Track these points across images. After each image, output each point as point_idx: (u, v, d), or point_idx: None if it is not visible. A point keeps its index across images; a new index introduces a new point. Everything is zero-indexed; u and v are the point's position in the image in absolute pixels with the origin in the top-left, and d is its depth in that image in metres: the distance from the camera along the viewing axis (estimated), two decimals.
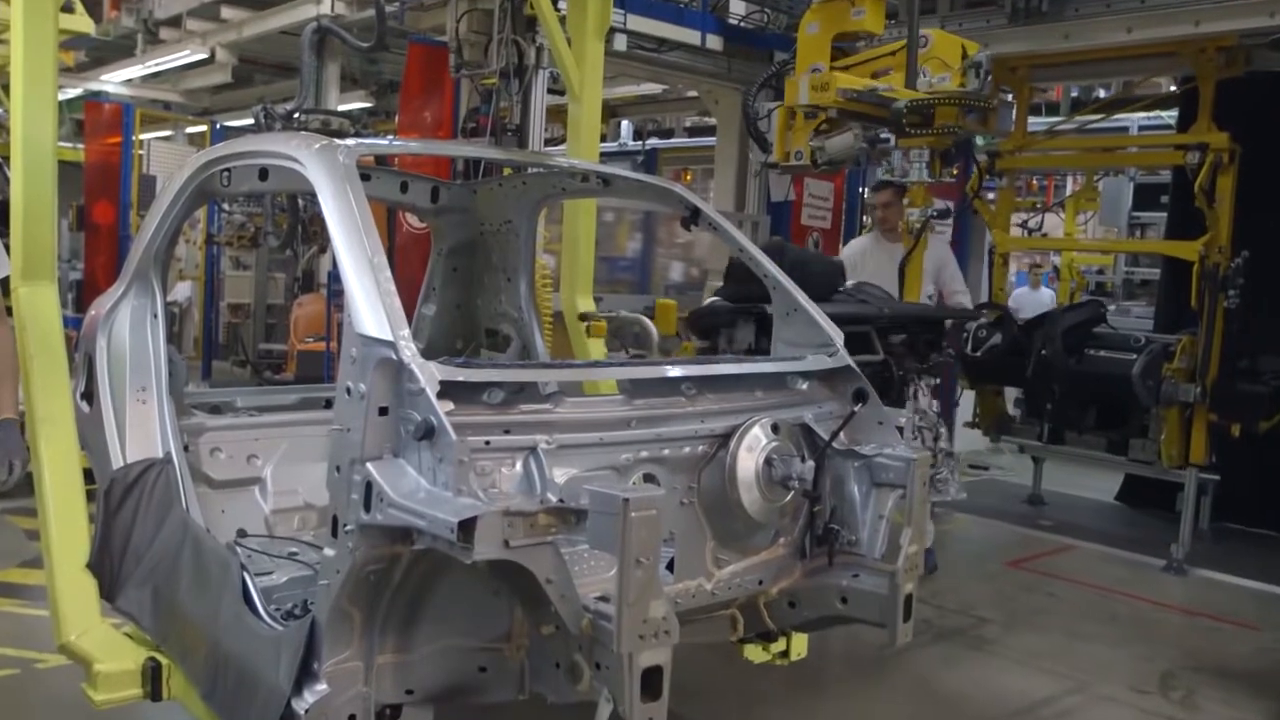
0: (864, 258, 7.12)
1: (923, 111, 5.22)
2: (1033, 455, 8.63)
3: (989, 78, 5.41)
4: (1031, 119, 9.10)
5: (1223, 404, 7.14)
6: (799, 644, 3.63)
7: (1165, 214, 9.90)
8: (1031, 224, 11.65)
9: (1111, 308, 11.93)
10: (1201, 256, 7.20)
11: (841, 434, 3.45)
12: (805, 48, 5.57)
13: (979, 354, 7.80)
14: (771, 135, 5.98)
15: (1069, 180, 14.80)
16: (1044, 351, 7.60)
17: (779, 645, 3.59)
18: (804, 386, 3.60)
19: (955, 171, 5.92)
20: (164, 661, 3.27)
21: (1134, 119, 11.28)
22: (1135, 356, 7.32)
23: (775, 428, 3.28)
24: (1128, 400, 7.42)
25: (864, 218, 10.72)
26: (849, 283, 5.61)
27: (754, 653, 3.58)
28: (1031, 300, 12.70)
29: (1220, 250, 7.14)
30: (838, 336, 3.71)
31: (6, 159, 5.47)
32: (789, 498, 3.30)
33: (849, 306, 5.00)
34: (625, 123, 14.79)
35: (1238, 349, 7.17)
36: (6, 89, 8.75)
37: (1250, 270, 6.99)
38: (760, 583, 3.41)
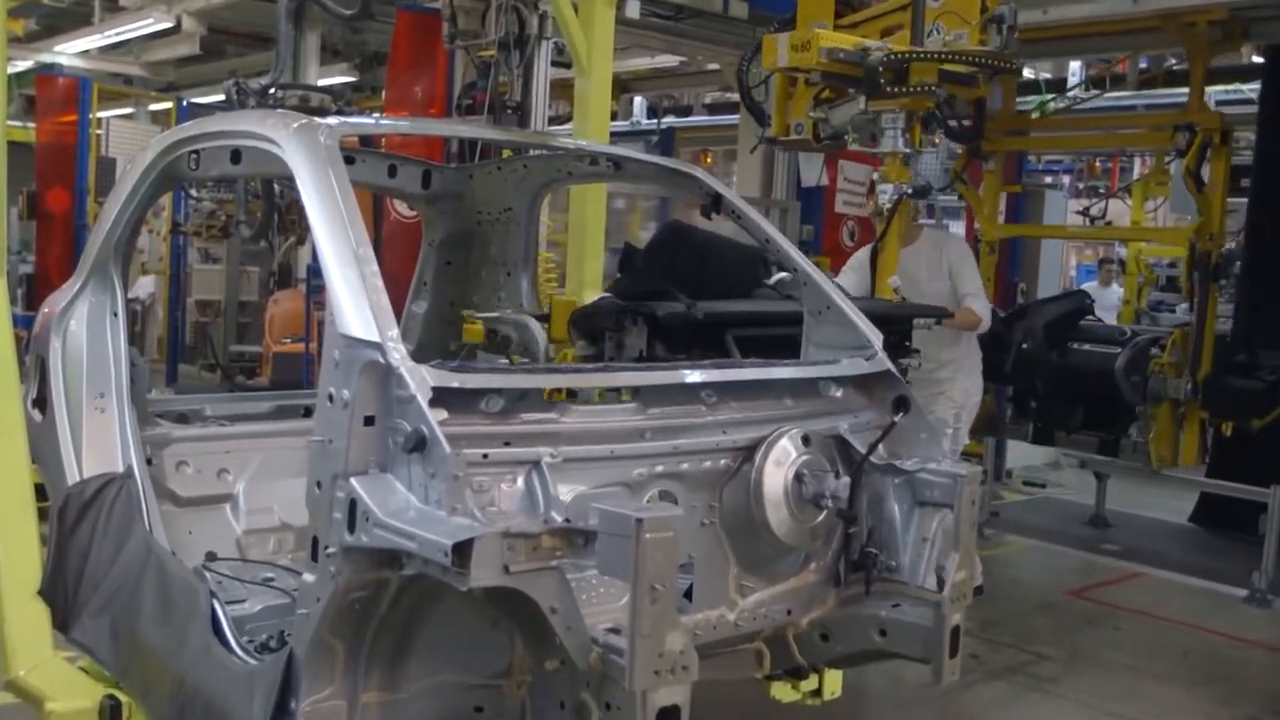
0: (863, 264, 6.68)
1: (897, 68, 5.02)
2: (1095, 471, 8.62)
3: (1013, 34, 5.25)
4: (1107, 94, 9.28)
5: (1214, 400, 7.35)
6: (832, 682, 3.62)
7: (1246, 199, 9.91)
8: (1094, 210, 11.65)
9: (1184, 306, 11.91)
10: (1192, 244, 7.51)
11: (880, 447, 3.45)
12: (807, 4, 5.50)
13: None
14: (769, 106, 5.86)
15: (1136, 162, 14.77)
16: (1025, 345, 7.75)
17: (810, 683, 3.59)
18: (838, 394, 3.59)
19: (938, 140, 5.64)
20: (124, 699, 3.29)
21: (1212, 92, 11.28)
22: (1120, 350, 7.56)
23: (806, 439, 3.28)
24: (1115, 397, 7.62)
25: None
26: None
27: (782, 691, 3.57)
28: (1097, 297, 12.67)
29: (1211, 237, 7.40)
30: (876, 338, 3.70)
31: None
32: (821, 518, 3.30)
33: (767, 304, 4.54)
34: (638, 99, 14.82)
35: (1242, 342, 7.49)
36: None
37: (1258, 259, 7.18)
38: (789, 613, 3.41)
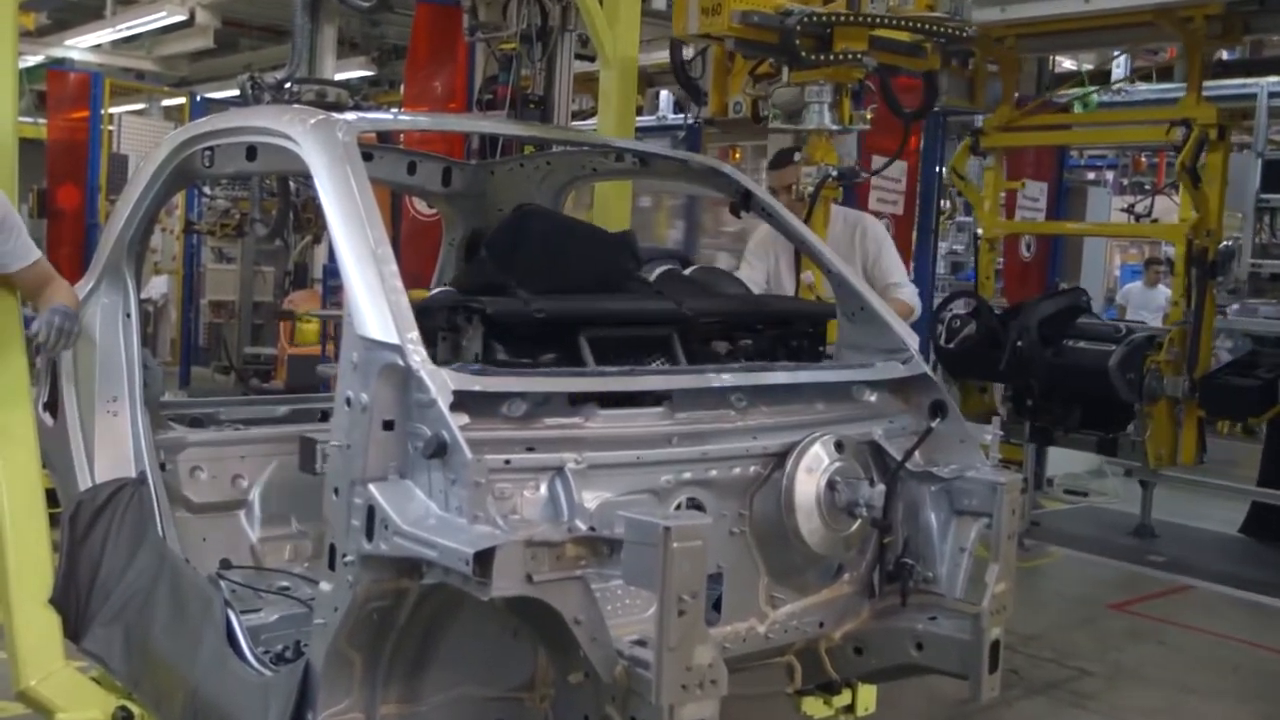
0: (767, 252, 5.47)
1: (818, 33, 4.65)
2: (1140, 479, 8.57)
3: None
4: (1149, 85, 9.35)
5: (1211, 398, 7.54)
6: (866, 697, 3.61)
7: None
8: (1140, 208, 11.63)
9: (1235, 306, 11.84)
10: (1189, 240, 7.64)
11: (916, 453, 3.44)
12: None
13: (952, 345, 8.06)
14: (706, 83, 5.65)
15: None
16: (1019, 343, 7.84)
17: (843, 698, 3.58)
18: (873, 398, 3.59)
19: (870, 115, 5.25)
20: (136, 710, 3.32)
21: (1264, 84, 11.21)
22: (1115, 348, 7.67)
23: (839, 446, 3.27)
24: (1111, 395, 7.72)
25: (942, 201, 10.68)
26: (689, 269, 4.56)
27: (814, 707, 3.56)
28: (1143, 298, 12.62)
29: (1208, 234, 7.59)
30: (912, 341, 3.69)
31: None
32: (855, 527, 3.29)
33: (633, 300, 3.92)
34: (665, 93, 14.79)
35: None
36: None
37: None
38: (821, 625, 3.41)
